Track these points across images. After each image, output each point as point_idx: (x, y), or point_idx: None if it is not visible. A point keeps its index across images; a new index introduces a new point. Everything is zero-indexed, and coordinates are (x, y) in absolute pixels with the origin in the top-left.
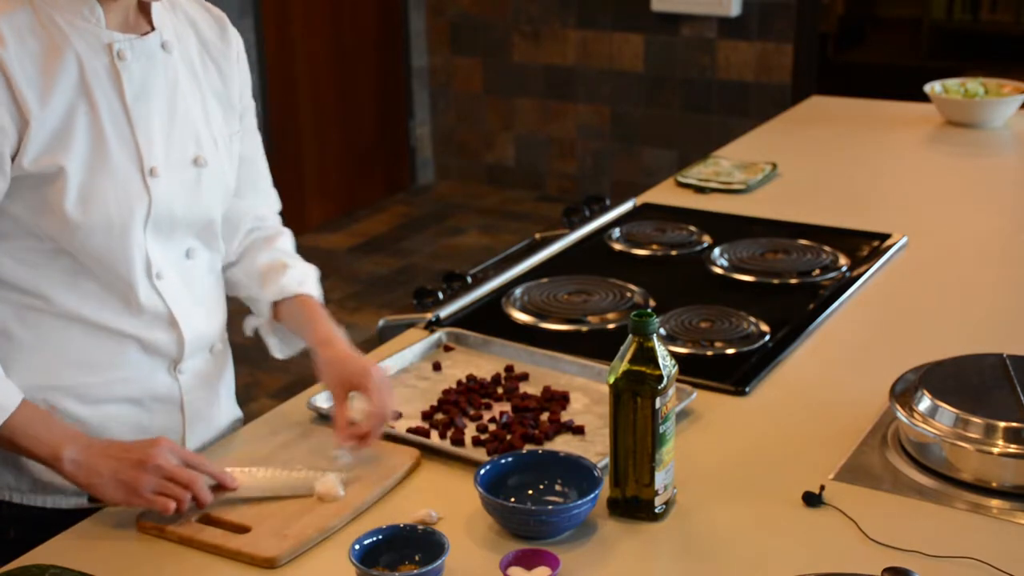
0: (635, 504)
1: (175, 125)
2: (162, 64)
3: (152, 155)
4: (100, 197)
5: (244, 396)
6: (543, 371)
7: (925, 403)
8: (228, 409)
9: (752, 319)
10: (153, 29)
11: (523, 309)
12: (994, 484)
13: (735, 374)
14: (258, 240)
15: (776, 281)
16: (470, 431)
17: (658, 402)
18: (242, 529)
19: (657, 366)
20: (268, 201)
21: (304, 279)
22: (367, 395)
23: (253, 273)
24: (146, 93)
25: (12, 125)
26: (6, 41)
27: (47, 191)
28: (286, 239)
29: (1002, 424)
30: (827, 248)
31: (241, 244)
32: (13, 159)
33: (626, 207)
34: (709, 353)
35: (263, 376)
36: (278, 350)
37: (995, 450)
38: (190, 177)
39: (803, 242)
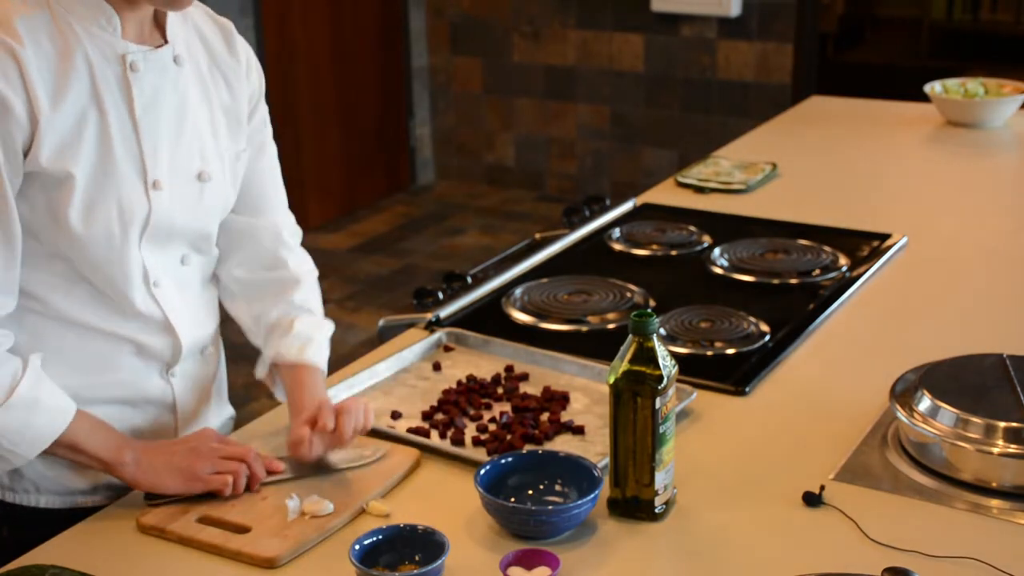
0: (635, 504)
1: (182, 139)
2: (173, 77)
3: (156, 168)
4: (102, 208)
5: (244, 396)
6: (543, 371)
7: (925, 403)
8: (220, 408)
9: (752, 319)
10: (166, 42)
11: (523, 309)
12: (994, 484)
13: (735, 374)
14: (275, 284)
15: (776, 281)
16: (470, 431)
17: (658, 402)
18: (242, 529)
19: (657, 366)
20: (287, 221)
21: (306, 344)
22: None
23: (262, 325)
24: (155, 106)
25: (27, 120)
26: (23, 41)
27: (56, 196)
28: (303, 290)
29: (1002, 424)
30: (827, 248)
31: (259, 271)
32: (26, 155)
33: (626, 207)
34: (709, 353)
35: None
36: (280, 395)
37: (995, 450)
38: (192, 191)
39: (803, 242)
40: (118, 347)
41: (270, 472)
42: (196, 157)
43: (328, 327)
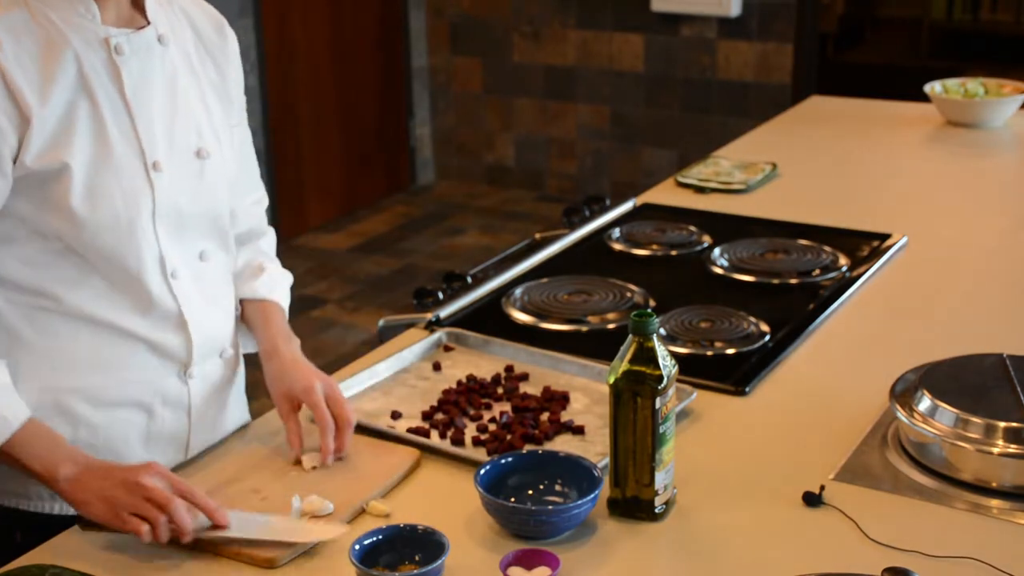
0: (635, 504)
1: (176, 118)
2: (159, 57)
3: (154, 149)
4: (105, 192)
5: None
6: (543, 371)
7: (925, 403)
8: (236, 415)
9: (752, 319)
10: (148, 23)
11: (523, 309)
12: (994, 484)
13: (735, 374)
14: (242, 235)
15: (776, 281)
16: (470, 431)
17: (658, 402)
18: None
19: (657, 366)
20: (258, 195)
21: (275, 286)
22: (312, 410)
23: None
24: (145, 87)
25: (11, 127)
26: (2, 42)
27: (52, 188)
28: (268, 240)
29: (1002, 424)
30: (827, 248)
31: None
32: (15, 160)
33: (626, 207)
34: (709, 353)
35: (263, 376)
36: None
37: (995, 450)
38: (193, 170)
39: (803, 242)
40: (133, 345)
41: (213, 526)
42: (193, 135)
43: (290, 277)
